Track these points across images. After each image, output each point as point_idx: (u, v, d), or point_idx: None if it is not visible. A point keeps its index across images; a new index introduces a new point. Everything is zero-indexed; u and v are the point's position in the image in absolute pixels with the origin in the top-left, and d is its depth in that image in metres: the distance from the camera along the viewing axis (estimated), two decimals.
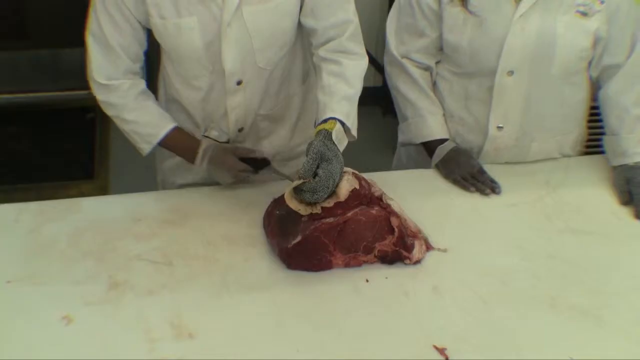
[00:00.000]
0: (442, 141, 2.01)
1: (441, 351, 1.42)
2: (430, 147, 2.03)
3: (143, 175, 3.52)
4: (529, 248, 1.72)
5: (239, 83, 1.82)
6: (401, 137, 2.11)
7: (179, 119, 1.91)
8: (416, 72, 2.01)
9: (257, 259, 1.65)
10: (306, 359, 1.40)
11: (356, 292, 1.57)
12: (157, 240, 1.70)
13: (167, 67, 1.90)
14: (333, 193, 1.62)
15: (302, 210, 1.61)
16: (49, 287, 1.56)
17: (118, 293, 1.54)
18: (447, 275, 1.62)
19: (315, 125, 1.70)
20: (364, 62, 1.81)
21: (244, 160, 1.77)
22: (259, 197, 1.81)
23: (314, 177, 1.58)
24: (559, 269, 1.66)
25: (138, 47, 1.80)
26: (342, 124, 1.68)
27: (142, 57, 1.83)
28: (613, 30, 1.89)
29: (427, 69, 2.02)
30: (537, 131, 2.02)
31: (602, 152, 2.08)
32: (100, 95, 1.83)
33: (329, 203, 1.62)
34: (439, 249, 1.70)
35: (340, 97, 1.71)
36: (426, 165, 2.05)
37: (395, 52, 2.01)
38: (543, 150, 2.06)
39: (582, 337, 1.48)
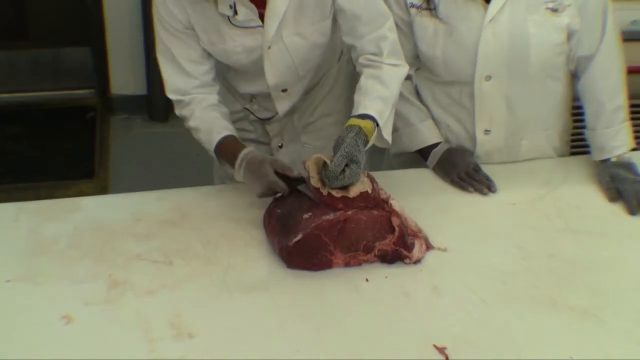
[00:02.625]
0: (435, 145, 2.01)
1: (441, 351, 1.42)
2: (424, 152, 2.02)
3: (143, 174, 3.54)
4: (529, 248, 1.72)
5: (283, 91, 1.93)
6: (393, 149, 2.06)
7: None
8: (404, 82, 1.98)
9: (257, 258, 1.65)
10: (306, 358, 1.40)
11: (356, 292, 1.57)
12: (157, 240, 1.70)
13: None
14: (345, 186, 1.63)
15: (314, 180, 1.61)
16: (48, 287, 1.55)
17: (118, 293, 1.54)
18: (447, 274, 1.62)
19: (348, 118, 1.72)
20: (404, 70, 1.82)
21: (279, 175, 1.72)
22: None
23: (340, 174, 1.60)
24: (559, 269, 1.66)
25: (207, 57, 1.86)
26: (376, 123, 1.69)
27: (213, 67, 1.89)
28: (584, 22, 1.89)
29: (408, 77, 1.99)
30: (525, 129, 2.01)
31: None
32: (176, 110, 1.90)
33: (337, 193, 1.62)
34: (439, 249, 1.70)
35: (374, 96, 1.73)
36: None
37: None
38: (534, 147, 2.06)
39: (582, 337, 1.48)
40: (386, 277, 1.61)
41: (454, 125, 2.01)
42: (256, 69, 1.87)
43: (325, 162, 1.62)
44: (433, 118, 2.03)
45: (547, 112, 2.03)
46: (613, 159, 1.95)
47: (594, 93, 1.96)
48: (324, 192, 1.62)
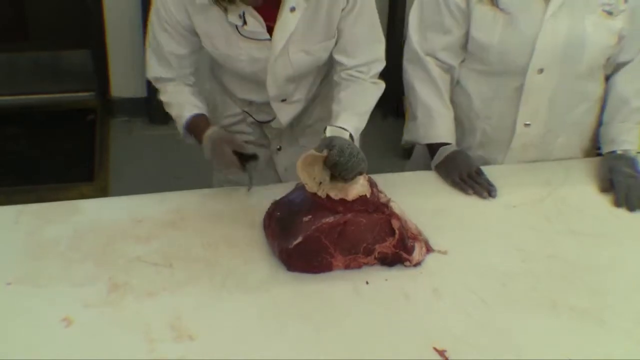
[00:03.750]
0: (445, 144, 2.01)
1: (441, 353, 1.42)
2: (433, 148, 2.03)
3: (143, 177, 3.54)
4: (529, 249, 1.72)
5: (282, 100, 1.96)
6: (406, 136, 2.11)
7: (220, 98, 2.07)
8: (436, 72, 2.01)
9: (257, 260, 1.65)
10: None
11: (356, 294, 1.57)
12: (157, 242, 1.70)
13: (216, 67, 2.02)
14: (342, 188, 1.63)
15: (309, 186, 1.61)
16: (49, 289, 1.55)
17: (118, 295, 1.54)
18: (447, 277, 1.62)
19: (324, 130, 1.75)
20: (381, 88, 1.89)
21: (237, 153, 1.78)
22: (259, 199, 1.81)
23: (339, 159, 1.60)
24: (559, 270, 1.66)
25: (191, 56, 1.91)
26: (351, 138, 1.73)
27: (194, 63, 1.94)
28: (633, 29, 1.93)
29: (449, 70, 2.02)
30: (561, 127, 2.05)
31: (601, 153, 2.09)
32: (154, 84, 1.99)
33: (336, 195, 1.62)
34: (439, 251, 1.70)
35: (353, 112, 1.79)
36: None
37: (418, 49, 2.00)
38: (567, 146, 2.09)
39: (582, 338, 1.48)
40: (386, 279, 1.61)
41: (494, 116, 2.03)
42: (257, 79, 1.89)
43: (324, 163, 1.61)
44: (475, 110, 2.05)
45: (584, 114, 2.06)
46: (619, 152, 1.98)
47: (620, 90, 2.01)
48: (322, 195, 1.61)
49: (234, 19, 1.75)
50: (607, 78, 2.04)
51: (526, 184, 1.96)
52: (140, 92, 4.01)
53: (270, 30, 1.78)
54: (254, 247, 1.69)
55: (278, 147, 2.09)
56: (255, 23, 1.76)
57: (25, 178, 3.57)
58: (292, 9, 1.75)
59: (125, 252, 1.66)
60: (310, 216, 1.62)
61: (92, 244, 1.69)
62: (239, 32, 1.78)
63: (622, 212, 1.87)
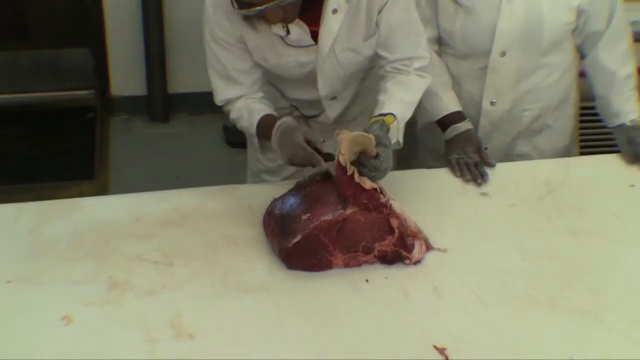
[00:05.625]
0: (458, 118, 2.05)
1: (441, 351, 1.42)
2: (444, 124, 2.07)
3: (143, 175, 3.54)
4: (529, 248, 1.72)
5: (333, 98, 2.00)
6: (420, 120, 2.17)
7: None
8: (434, 57, 2.06)
9: (257, 259, 1.65)
10: (306, 359, 1.40)
11: (356, 292, 1.57)
12: (157, 241, 1.70)
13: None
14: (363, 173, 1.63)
15: (344, 158, 1.60)
16: (49, 287, 1.56)
17: (118, 293, 1.54)
18: (447, 275, 1.62)
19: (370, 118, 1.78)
20: (428, 80, 1.91)
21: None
22: (259, 197, 1.81)
23: (376, 157, 1.64)
24: (559, 270, 1.66)
25: (256, 68, 1.91)
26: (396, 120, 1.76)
27: (261, 76, 1.94)
28: (593, 2, 2.00)
29: (438, 54, 2.10)
30: (528, 100, 2.12)
31: (601, 152, 2.11)
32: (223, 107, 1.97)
33: (362, 182, 1.61)
34: (439, 249, 1.70)
35: (398, 100, 1.81)
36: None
37: None
38: (536, 117, 2.15)
39: (582, 338, 1.48)
40: (386, 277, 1.61)
41: (463, 94, 2.11)
42: (307, 80, 1.92)
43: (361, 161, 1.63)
44: None
45: (553, 85, 2.13)
46: (627, 123, 2.07)
47: (604, 64, 2.08)
48: (350, 171, 1.60)
49: (277, 29, 1.77)
50: (579, 48, 2.12)
51: (526, 183, 1.96)
52: (141, 90, 4.01)
53: (314, 34, 1.81)
54: (254, 246, 1.69)
55: (322, 139, 2.11)
56: (299, 31, 1.79)
57: (25, 176, 3.57)
58: (334, 11, 1.78)
59: (125, 251, 1.66)
60: (308, 214, 1.62)
61: (92, 242, 1.69)
62: (285, 42, 1.81)
63: (622, 212, 1.87)
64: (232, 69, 1.87)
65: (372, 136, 1.65)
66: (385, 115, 1.76)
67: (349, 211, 1.62)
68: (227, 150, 3.74)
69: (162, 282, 1.58)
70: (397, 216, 1.66)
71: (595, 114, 2.23)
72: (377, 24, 1.84)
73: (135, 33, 3.85)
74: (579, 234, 1.78)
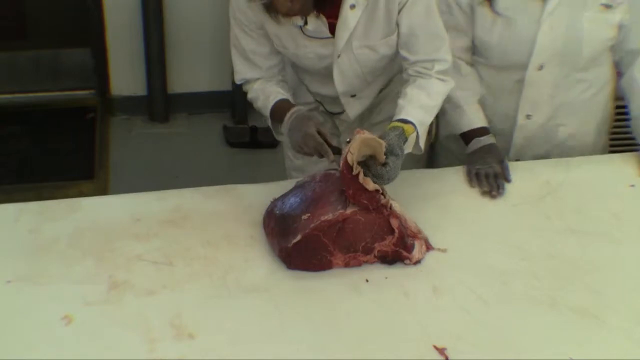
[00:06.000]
0: (482, 133, 2.03)
1: (441, 351, 1.42)
2: (467, 137, 2.05)
3: (143, 175, 3.54)
4: (529, 248, 1.72)
5: (352, 96, 2.00)
6: (443, 131, 2.16)
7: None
8: (465, 68, 2.04)
9: (257, 259, 1.65)
10: (306, 359, 1.40)
11: (356, 292, 1.57)
12: (157, 240, 1.70)
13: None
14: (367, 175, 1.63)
15: (352, 157, 1.60)
16: (49, 287, 1.56)
17: (118, 293, 1.54)
18: (447, 275, 1.62)
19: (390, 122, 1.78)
20: (450, 85, 1.89)
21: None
22: (259, 197, 1.81)
23: (383, 165, 1.64)
24: (559, 269, 1.66)
25: (277, 53, 1.94)
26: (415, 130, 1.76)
27: (282, 61, 1.97)
28: (633, 17, 1.96)
29: (471, 65, 2.06)
30: (564, 116, 2.08)
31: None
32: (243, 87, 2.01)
33: (366, 183, 1.61)
34: (439, 249, 1.70)
35: (418, 104, 1.81)
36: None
37: None
38: (572, 133, 2.11)
39: (582, 337, 1.48)
40: (386, 277, 1.61)
41: (497, 107, 2.07)
42: (327, 73, 1.94)
43: (370, 157, 1.63)
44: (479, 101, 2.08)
45: (589, 100, 2.09)
46: None
47: None
48: (355, 171, 1.60)
49: (296, 19, 1.78)
50: (617, 64, 2.08)
51: (526, 183, 1.95)
52: (141, 91, 4.01)
53: (332, 27, 1.82)
54: (254, 246, 1.69)
55: (348, 139, 2.12)
56: (317, 22, 1.80)
57: (25, 176, 3.57)
58: (352, 7, 1.79)
59: (125, 250, 1.66)
60: (308, 214, 1.62)
61: (92, 242, 1.69)
62: (303, 32, 1.82)
63: (622, 212, 1.86)
64: (251, 51, 1.90)
65: (383, 143, 1.64)
66: (406, 123, 1.75)
67: (349, 211, 1.62)
68: (227, 150, 3.74)
69: (162, 281, 1.58)
70: (397, 216, 1.66)
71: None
72: (397, 24, 1.83)
73: (135, 33, 3.84)
74: (579, 234, 1.78)
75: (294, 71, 2.08)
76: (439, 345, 1.43)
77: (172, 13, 3.84)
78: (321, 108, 2.13)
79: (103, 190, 3.44)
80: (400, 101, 1.83)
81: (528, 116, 2.06)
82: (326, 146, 1.73)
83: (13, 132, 3.87)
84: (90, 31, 3.94)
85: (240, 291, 1.56)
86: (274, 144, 3.65)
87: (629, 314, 1.54)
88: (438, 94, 1.86)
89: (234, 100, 3.92)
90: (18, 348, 1.41)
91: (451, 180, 1.96)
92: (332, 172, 1.74)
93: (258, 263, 1.64)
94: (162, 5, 3.78)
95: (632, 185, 1.98)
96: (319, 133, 1.74)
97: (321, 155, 1.75)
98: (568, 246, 1.73)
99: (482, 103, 2.07)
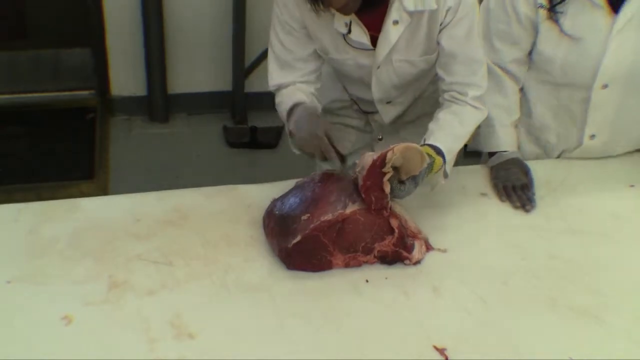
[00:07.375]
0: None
1: (441, 351, 1.42)
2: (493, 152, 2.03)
3: (143, 175, 3.54)
4: (529, 248, 1.72)
5: (388, 102, 2.02)
6: (470, 146, 2.08)
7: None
8: (507, 82, 2.01)
9: (257, 259, 1.65)
10: (306, 359, 1.40)
11: (356, 293, 1.57)
12: (157, 240, 1.70)
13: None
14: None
15: (390, 161, 1.59)
16: (48, 287, 1.56)
17: (118, 293, 1.54)
18: (447, 275, 1.62)
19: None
20: (482, 114, 1.88)
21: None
22: (259, 197, 1.82)
23: (403, 184, 1.64)
24: (559, 269, 1.66)
25: (317, 58, 1.92)
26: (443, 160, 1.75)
27: (319, 67, 1.95)
28: None
29: (517, 80, 2.02)
30: (625, 138, 2.05)
31: None
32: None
33: (385, 185, 1.61)
34: (439, 250, 1.70)
35: (449, 132, 1.81)
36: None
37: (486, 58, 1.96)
38: (630, 152, 2.10)
39: (581, 337, 1.48)
40: (386, 278, 1.61)
41: (558, 127, 2.03)
42: (363, 81, 1.95)
43: (395, 169, 1.62)
44: (537, 120, 2.05)
45: None
46: None
47: None
48: (386, 168, 1.60)
49: (340, 26, 1.78)
50: None
51: None
52: (141, 91, 4.01)
53: (374, 39, 1.81)
54: (254, 246, 1.69)
55: (380, 137, 2.14)
56: (360, 32, 1.79)
57: (25, 176, 3.57)
58: (395, 22, 1.77)
59: (125, 250, 1.66)
60: (308, 215, 1.62)
61: (92, 242, 1.69)
62: (345, 40, 1.82)
63: (622, 212, 1.87)
64: (291, 52, 1.88)
65: (424, 166, 1.63)
66: (436, 151, 1.73)
67: (348, 211, 1.62)
68: (227, 150, 3.74)
69: (162, 281, 1.58)
70: (397, 216, 1.66)
71: None
72: (438, 42, 1.82)
73: (135, 33, 3.85)
74: (579, 234, 1.78)
75: (333, 70, 2.07)
76: (439, 346, 1.43)
77: (172, 13, 3.85)
78: (355, 107, 2.15)
79: (103, 190, 3.45)
80: (431, 126, 1.82)
81: (592, 136, 2.01)
82: (334, 152, 1.71)
83: (13, 132, 3.87)
84: (90, 31, 3.94)
85: (240, 291, 1.56)
86: (273, 144, 3.67)
87: (629, 314, 1.54)
88: (470, 122, 1.85)
89: (234, 101, 3.92)
90: (18, 348, 1.41)
91: (451, 180, 1.96)
92: (332, 172, 1.74)
93: (258, 263, 1.64)
94: (162, 5, 3.78)
95: (632, 185, 1.98)
96: (327, 137, 1.72)
97: (324, 158, 1.73)
98: (568, 246, 1.73)
99: (536, 121, 2.04)
